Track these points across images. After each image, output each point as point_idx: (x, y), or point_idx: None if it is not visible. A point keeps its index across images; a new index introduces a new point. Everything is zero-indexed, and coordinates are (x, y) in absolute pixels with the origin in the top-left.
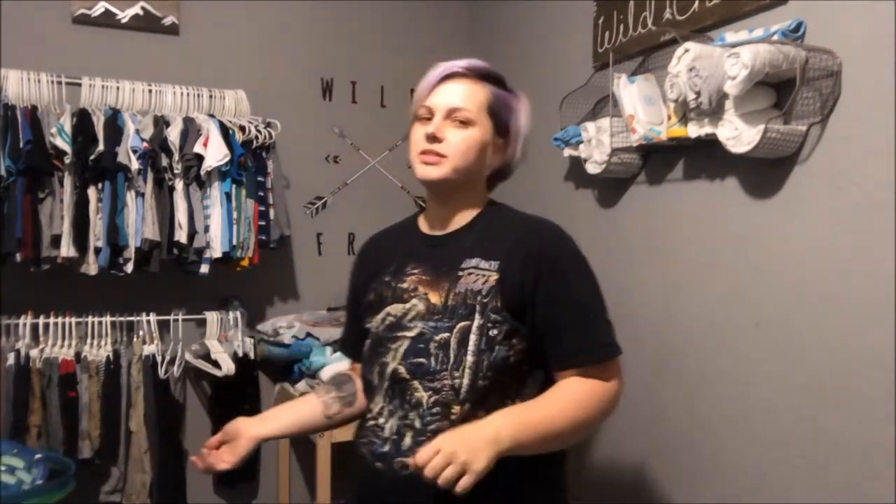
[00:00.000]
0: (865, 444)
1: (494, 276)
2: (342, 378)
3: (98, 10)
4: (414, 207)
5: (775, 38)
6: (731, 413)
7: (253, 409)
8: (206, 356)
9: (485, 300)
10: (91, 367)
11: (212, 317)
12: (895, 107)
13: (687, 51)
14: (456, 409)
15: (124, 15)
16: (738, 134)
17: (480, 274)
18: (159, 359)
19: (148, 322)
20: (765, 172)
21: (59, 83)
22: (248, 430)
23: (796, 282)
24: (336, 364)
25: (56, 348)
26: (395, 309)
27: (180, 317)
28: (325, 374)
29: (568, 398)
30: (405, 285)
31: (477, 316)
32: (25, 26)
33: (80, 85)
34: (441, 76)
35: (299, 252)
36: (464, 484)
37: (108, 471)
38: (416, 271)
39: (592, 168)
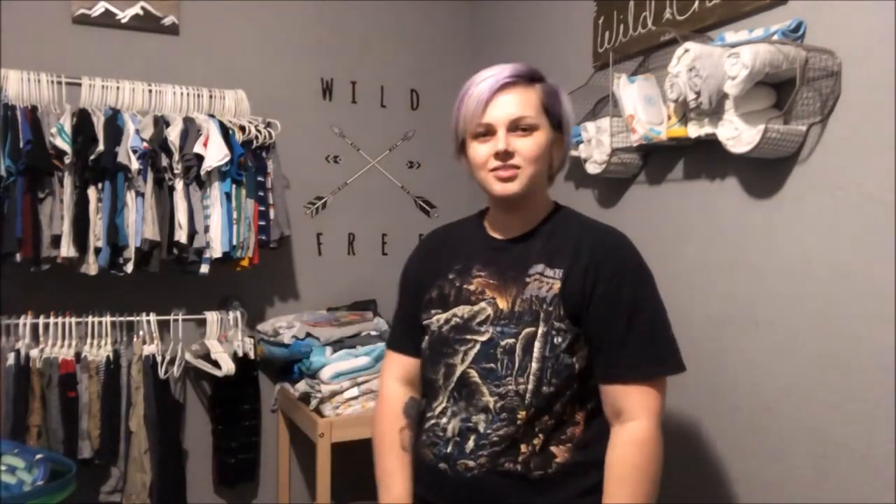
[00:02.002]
0: (865, 444)
1: (557, 285)
2: (411, 409)
3: (98, 10)
4: (414, 207)
5: (775, 38)
6: (730, 413)
7: (253, 409)
8: (206, 356)
9: (549, 308)
10: (91, 367)
11: (212, 317)
12: (895, 107)
13: (687, 51)
14: (521, 414)
15: (124, 15)
16: (738, 134)
17: (545, 281)
18: (159, 359)
19: (148, 322)
20: (765, 172)
21: (59, 83)
22: None
23: (796, 282)
24: (336, 364)
25: (56, 348)
26: (463, 311)
27: (180, 317)
28: (325, 373)
29: (627, 480)
30: (472, 287)
31: (541, 323)
32: (25, 26)
33: (80, 85)
34: (493, 90)
35: (299, 252)
36: None
37: (108, 471)
38: (482, 274)
39: (592, 168)
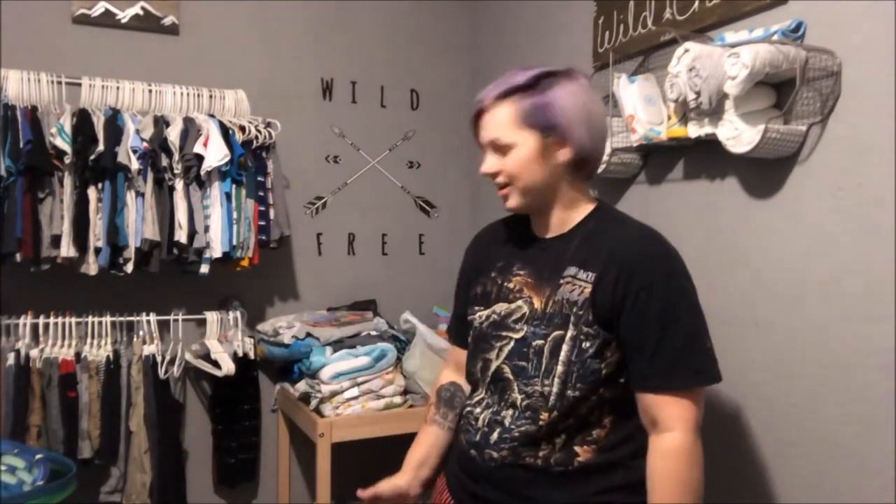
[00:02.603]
0: (865, 444)
1: (589, 289)
2: (450, 394)
3: (98, 10)
4: (414, 207)
5: (775, 38)
6: (730, 413)
7: (253, 409)
8: (206, 356)
9: (579, 312)
10: (91, 367)
11: (212, 317)
12: (895, 107)
13: (687, 51)
14: (544, 415)
15: (124, 15)
16: (738, 134)
17: (578, 284)
18: (159, 359)
19: (148, 322)
20: (765, 172)
21: (59, 83)
22: (409, 486)
23: (796, 282)
24: (336, 364)
25: (56, 348)
26: (501, 308)
27: (180, 317)
28: (325, 373)
29: (668, 492)
30: (511, 285)
31: (571, 326)
32: (25, 26)
33: (80, 85)
34: (474, 115)
35: (299, 252)
36: None
37: (108, 471)
38: (521, 273)
39: None
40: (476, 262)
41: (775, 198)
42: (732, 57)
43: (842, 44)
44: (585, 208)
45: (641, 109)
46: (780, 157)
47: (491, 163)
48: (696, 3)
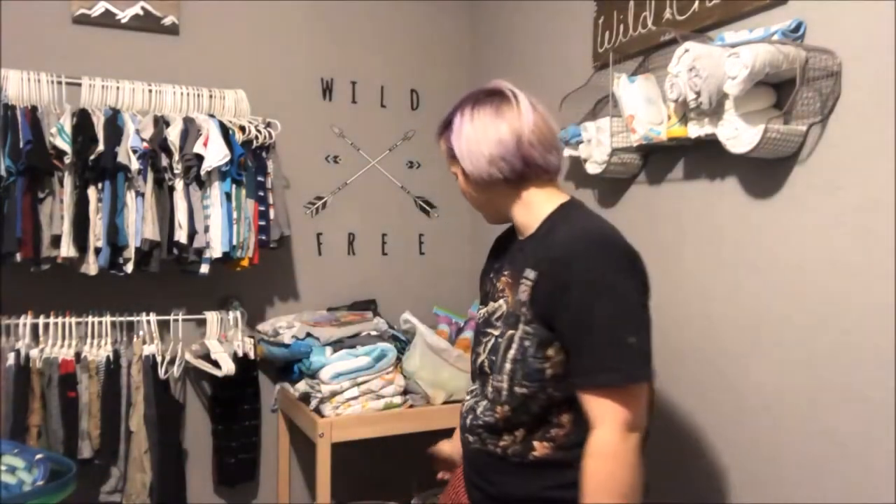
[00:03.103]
0: (865, 444)
1: (530, 289)
2: None
3: (98, 10)
4: (414, 207)
5: (775, 38)
6: (731, 413)
7: (253, 409)
8: (206, 356)
9: (525, 311)
10: (91, 367)
11: (212, 317)
12: (895, 107)
13: (687, 51)
14: (499, 409)
15: (124, 15)
16: (738, 134)
17: (526, 284)
18: (159, 359)
19: (148, 322)
20: (765, 172)
21: (59, 83)
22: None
23: (796, 282)
24: (336, 364)
25: (56, 348)
26: (491, 306)
27: (180, 317)
28: (325, 373)
29: (589, 493)
30: (499, 285)
31: (519, 326)
32: (25, 26)
33: (80, 85)
34: None
35: (299, 252)
36: None
37: (108, 471)
38: (505, 273)
39: (592, 168)
40: (487, 263)
41: (775, 198)
42: (732, 57)
43: (842, 44)
44: (549, 208)
45: (641, 109)
46: (780, 157)
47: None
48: (696, 3)
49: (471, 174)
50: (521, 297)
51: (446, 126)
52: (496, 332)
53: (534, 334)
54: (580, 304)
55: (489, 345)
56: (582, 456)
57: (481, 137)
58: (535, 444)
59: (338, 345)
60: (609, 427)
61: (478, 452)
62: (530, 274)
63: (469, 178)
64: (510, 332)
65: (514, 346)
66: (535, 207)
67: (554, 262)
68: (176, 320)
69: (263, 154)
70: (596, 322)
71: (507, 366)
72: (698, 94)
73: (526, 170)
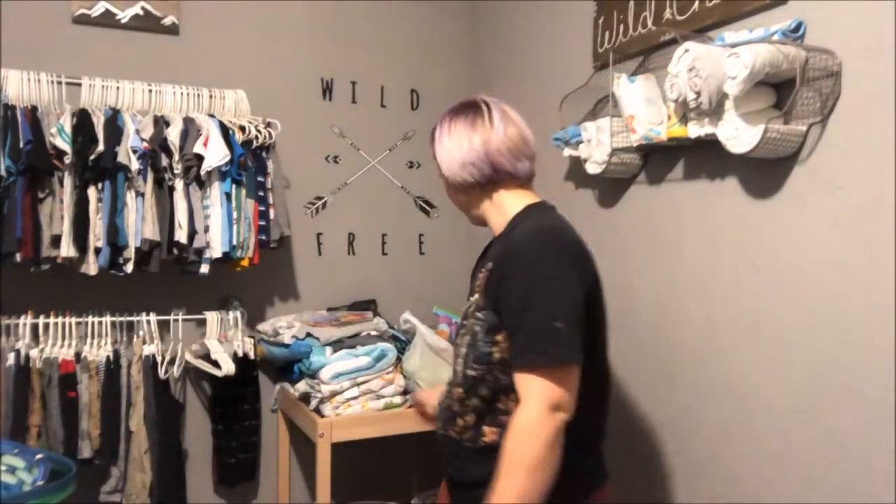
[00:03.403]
0: (865, 444)
1: (484, 280)
2: None
3: (98, 10)
4: (414, 207)
5: (775, 38)
6: (730, 413)
7: (253, 409)
8: (206, 356)
9: (479, 300)
10: (91, 367)
11: (212, 317)
12: (895, 107)
13: (687, 51)
14: (455, 391)
15: (124, 15)
16: (738, 134)
17: (484, 274)
18: (159, 359)
19: (148, 322)
20: (765, 172)
21: (59, 83)
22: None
23: (796, 282)
24: (336, 364)
25: (56, 348)
26: (469, 300)
27: (180, 317)
28: (325, 373)
29: (503, 467)
30: (478, 282)
31: (476, 314)
32: (25, 26)
33: (80, 85)
34: None
35: (299, 252)
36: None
37: (108, 471)
38: (483, 270)
39: (592, 168)
40: (477, 261)
41: (775, 198)
42: (732, 57)
43: (842, 44)
44: (517, 210)
45: (641, 109)
46: (780, 157)
47: None
48: (696, 3)
49: (448, 178)
50: (479, 287)
51: (432, 136)
52: (469, 323)
53: (484, 320)
54: (520, 290)
55: (466, 336)
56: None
57: (455, 146)
58: (485, 429)
59: (338, 345)
60: (534, 404)
61: (444, 438)
62: (488, 265)
63: (448, 182)
64: (470, 320)
65: (471, 332)
66: (505, 209)
67: (506, 253)
68: (176, 320)
69: (263, 154)
70: (530, 307)
71: (463, 350)
72: (698, 94)
73: (495, 175)
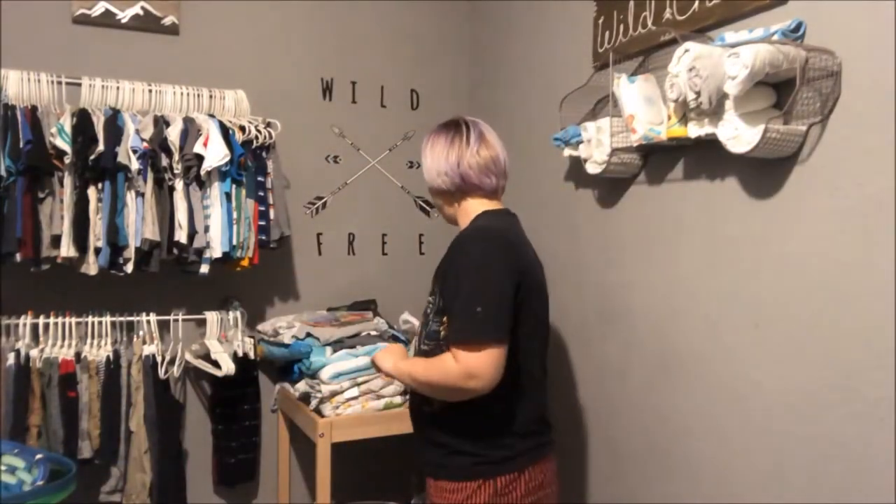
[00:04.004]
0: (865, 444)
1: (437, 268)
2: None
3: (98, 10)
4: (414, 207)
5: (775, 38)
6: (730, 413)
7: (253, 409)
8: (206, 356)
9: (433, 287)
10: (91, 367)
11: (212, 317)
12: (895, 107)
13: (687, 51)
14: None
15: (124, 15)
16: (738, 134)
17: (438, 265)
18: (159, 359)
19: (148, 322)
20: (765, 172)
21: (59, 83)
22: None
23: (796, 281)
24: (336, 364)
25: (56, 348)
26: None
27: (180, 317)
28: (325, 373)
29: (425, 363)
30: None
31: (431, 299)
32: (25, 26)
33: (80, 85)
34: None
35: (299, 252)
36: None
37: (108, 471)
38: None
39: (592, 168)
40: None
41: (775, 198)
42: (732, 57)
43: (842, 44)
44: (474, 215)
45: (641, 109)
46: (780, 157)
47: None
48: (696, 3)
49: (428, 183)
50: (434, 276)
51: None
52: (425, 306)
53: (433, 303)
54: (455, 279)
55: None
56: (466, 408)
57: (435, 157)
58: (434, 399)
59: (338, 345)
60: (456, 367)
61: (411, 410)
62: (442, 260)
63: (428, 186)
64: (427, 304)
65: (425, 313)
66: (469, 213)
67: (450, 248)
68: (176, 320)
69: (263, 154)
70: (460, 294)
71: (421, 329)
72: (698, 94)
73: (463, 185)
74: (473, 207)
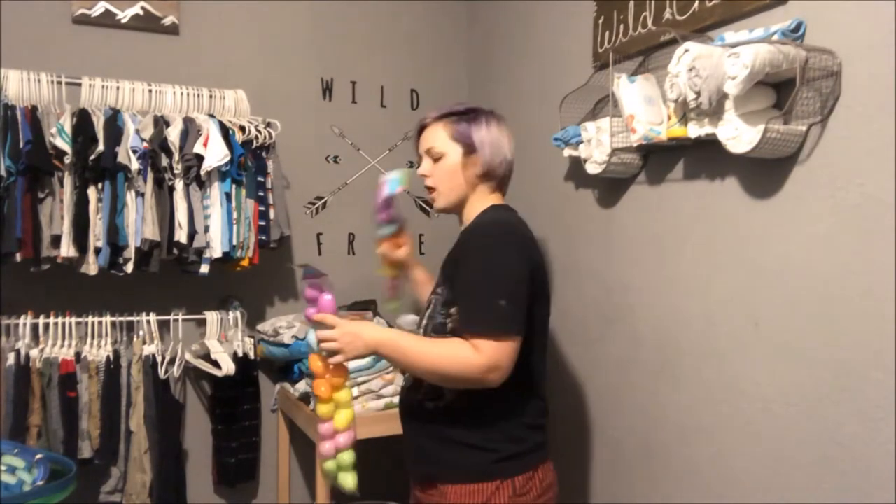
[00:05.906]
0: (865, 443)
1: (446, 259)
2: None
3: (98, 10)
4: (414, 207)
5: (775, 38)
6: (730, 413)
7: (253, 409)
8: (206, 356)
9: (441, 279)
10: (91, 367)
11: (212, 317)
12: (895, 107)
13: (687, 51)
14: None
15: (124, 15)
16: (738, 134)
17: (447, 258)
18: (159, 359)
19: (148, 322)
20: (765, 172)
21: (59, 83)
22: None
23: (796, 282)
24: None
25: (56, 348)
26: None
27: (180, 317)
28: None
29: (439, 348)
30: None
31: (437, 291)
32: (25, 26)
33: (80, 85)
34: (417, 131)
35: (299, 252)
36: (334, 360)
37: (108, 471)
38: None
39: (592, 168)
40: None
41: (775, 198)
42: (732, 57)
43: (842, 44)
44: (483, 207)
45: (641, 109)
46: (780, 157)
47: (426, 167)
48: (696, 3)
49: (483, 163)
50: (441, 268)
51: (456, 114)
52: (431, 297)
53: (441, 294)
54: (471, 269)
55: None
56: (482, 400)
57: (496, 138)
58: (444, 389)
59: None
60: (480, 359)
61: (408, 405)
62: (451, 250)
63: (466, 164)
64: (433, 295)
65: (431, 304)
66: (482, 204)
67: (464, 240)
68: (176, 320)
69: (263, 154)
70: (476, 285)
71: (424, 321)
72: (698, 94)
73: (504, 175)
74: (489, 199)
